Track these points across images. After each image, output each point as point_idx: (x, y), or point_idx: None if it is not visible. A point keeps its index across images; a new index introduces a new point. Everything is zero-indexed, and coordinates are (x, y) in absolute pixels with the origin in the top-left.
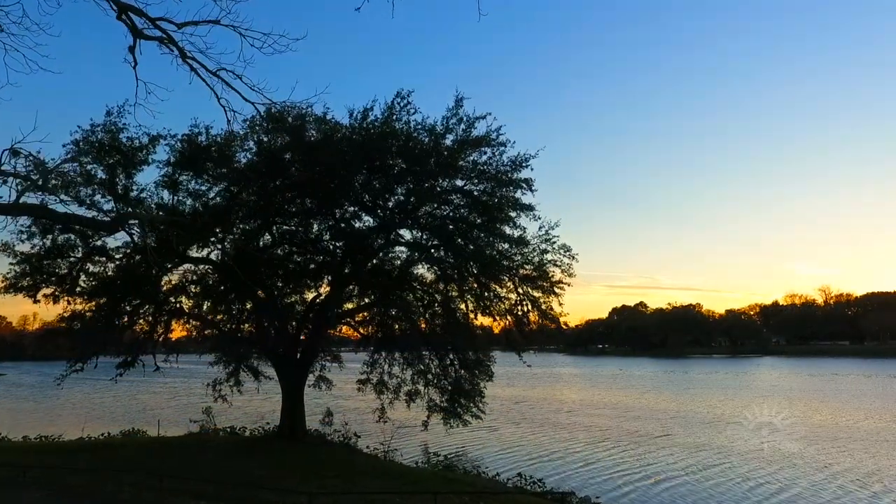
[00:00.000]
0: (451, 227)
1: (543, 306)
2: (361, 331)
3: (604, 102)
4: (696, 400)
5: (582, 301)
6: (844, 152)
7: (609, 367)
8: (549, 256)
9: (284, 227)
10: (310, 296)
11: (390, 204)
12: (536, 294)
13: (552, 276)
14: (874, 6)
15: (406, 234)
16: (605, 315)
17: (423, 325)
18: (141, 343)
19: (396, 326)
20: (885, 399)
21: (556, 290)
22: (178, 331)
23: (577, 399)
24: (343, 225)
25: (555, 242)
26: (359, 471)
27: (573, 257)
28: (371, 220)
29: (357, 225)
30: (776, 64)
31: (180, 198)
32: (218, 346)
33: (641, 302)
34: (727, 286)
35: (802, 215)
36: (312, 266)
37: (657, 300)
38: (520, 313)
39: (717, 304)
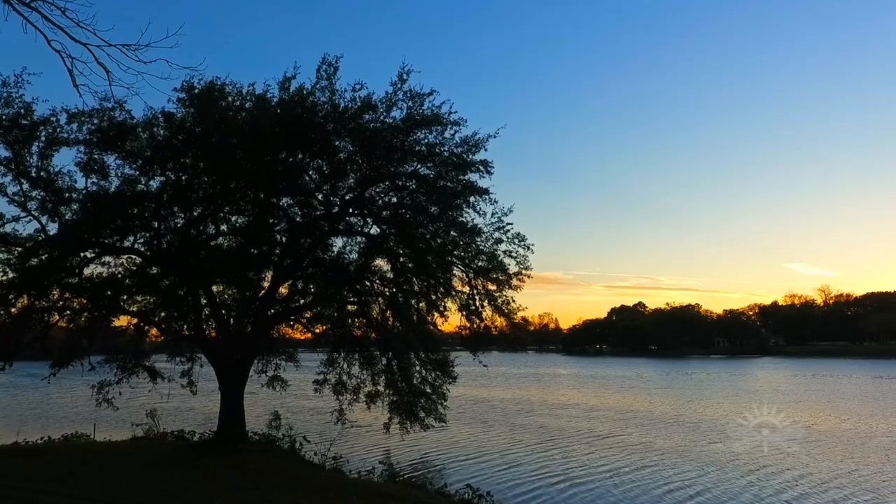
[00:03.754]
0: (406, 214)
1: (499, 301)
2: (315, 329)
3: (604, 103)
4: (667, 400)
5: (581, 301)
6: (844, 152)
7: (598, 368)
8: (503, 247)
9: (220, 213)
10: (249, 291)
11: (328, 187)
12: (491, 287)
13: (507, 267)
14: (875, 5)
15: (355, 227)
16: (604, 315)
17: (380, 323)
18: (76, 341)
19: (350, 322)
20: (861, 401)
21: (514, 283)
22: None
23: (546, 399)
24: (280, 212)
25: (508, 231)
26: (281, 483)
27: (528, 247)
28: (305, 209)
29: (293, 213)
30: (777, 63)
31: (95, 179)
32: (166, 344)
33: (640, 302)
34: (727, 286)
35: (802, 215)
36: (250, 256)
37: (657, 300)
38: (473, 307)
39: (716, 304)
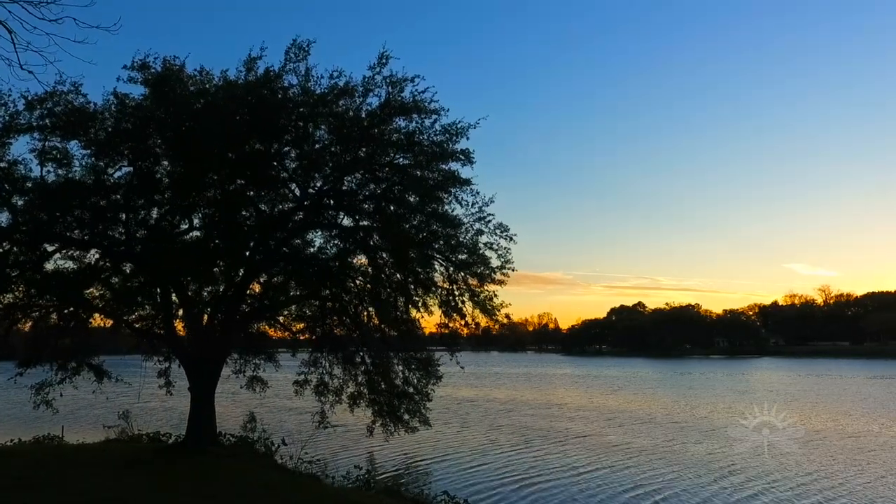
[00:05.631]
0: (388, 207)
1: (481, 296)
2: (294, 327)
3: (604, 103)
4: (655, 400)
5: (581, 302)
6: (844, 152)
7: (593, 368)
8: (484, 238)
9: (188, 205)
10: (219, 287)
11: (302, 177)
12: (473, 283)
13: (489, 260)
14: (875, 5)
15: (332, 219)
16: (604, 315)
17: (359, 321)
18: (43, 339)
19: (331, 321)
20: (852, 401)
21: (498, 277)
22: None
23: (533, 399)
24: (250, 203)
25: (489, 221)
26: (245, 490)
27: (511, 238)
28: (276, 201)
29: (262, 204)
30: (775, 62)
31: (51, 168)
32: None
33: (640, 302)
34: (727, 287)
35: (802, 215)
36: (217, 250)
37: (657, 300)
38: (453, 304)
39: (716, 304)
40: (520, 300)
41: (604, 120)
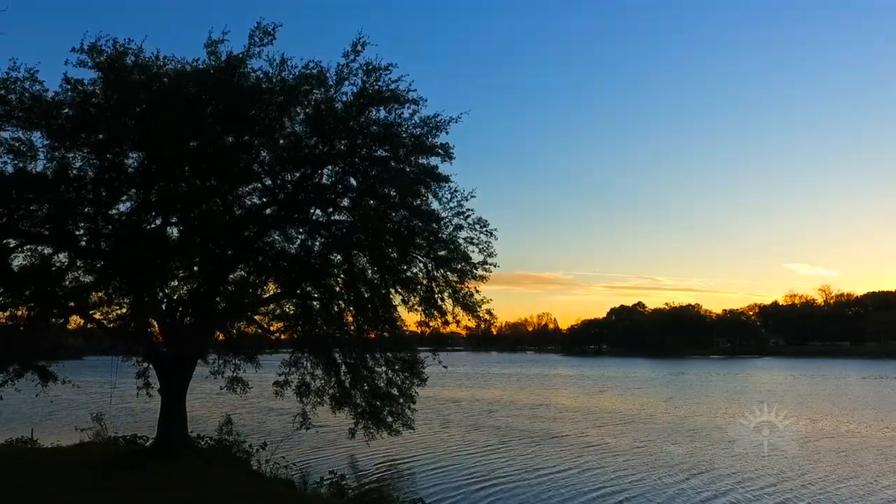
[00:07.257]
0: (369, 202)
1: (462, 293)
2: (271, 327)
3: (604, 102)
4: (645, 400)
5: (581, 302)
6: (844, 152)
7: (589, 369)
8: (463, 234)
9: (156, 199)
10: (193, 284)
11: (277, 170)
12: (453, 278)
13: (470, 256)
14: (875, 4)
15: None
16: (604, 315)
17: (339, 320)
18: (15, 339)
19: (314, 320)
20: (842, 401)
21: (479, 273)
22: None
23: (517, 399)
24: (219, 198)
25: (468, 216)
26: (212, 500)
27: (491, 233)
28: (246, 195)
29: (231, 199)
30: (775, 61)
31: (7, 159)
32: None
33: (640, 302)
34: (727, 287)
35: (802, 215)
36: (188, 245)
37: (657, 300)
38: (433, 301)
39: (716, 304)
40: (520, 300)
41: (603, 119)
